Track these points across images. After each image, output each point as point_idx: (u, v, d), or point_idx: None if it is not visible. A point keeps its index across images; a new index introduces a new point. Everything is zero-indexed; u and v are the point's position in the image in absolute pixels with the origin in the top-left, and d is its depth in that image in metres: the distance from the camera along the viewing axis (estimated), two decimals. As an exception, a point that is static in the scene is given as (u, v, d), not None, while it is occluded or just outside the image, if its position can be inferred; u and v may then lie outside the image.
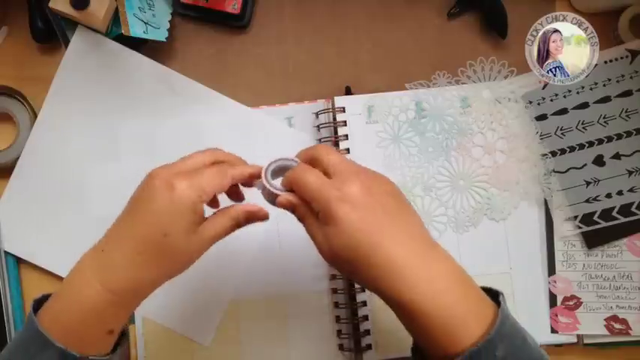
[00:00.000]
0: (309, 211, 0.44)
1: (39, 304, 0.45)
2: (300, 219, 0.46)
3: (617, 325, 0.62)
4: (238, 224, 0.47)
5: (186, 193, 0.42)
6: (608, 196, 0.62)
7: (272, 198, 0.46)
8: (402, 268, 0.40)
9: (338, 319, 0.62)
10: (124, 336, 0.48)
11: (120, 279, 0.43)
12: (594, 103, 0.63)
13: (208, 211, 0.46)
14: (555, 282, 0.62)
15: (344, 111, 0.63)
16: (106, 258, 0.44)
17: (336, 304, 0.62)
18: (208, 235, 0.45)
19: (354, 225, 0.41)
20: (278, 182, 0.47)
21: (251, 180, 0.47)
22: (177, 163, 0.45)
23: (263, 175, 0.46)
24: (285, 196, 0.45)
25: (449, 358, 0.40)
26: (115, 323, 0.44)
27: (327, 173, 0.44)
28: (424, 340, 0.42)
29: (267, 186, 0.46)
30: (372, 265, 0.41)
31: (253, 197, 0.48)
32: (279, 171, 0.47)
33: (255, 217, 0.47)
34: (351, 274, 0.45)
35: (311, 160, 0.46)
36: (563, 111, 0.63)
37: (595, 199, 0.62)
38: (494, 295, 0.43)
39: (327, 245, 0.43)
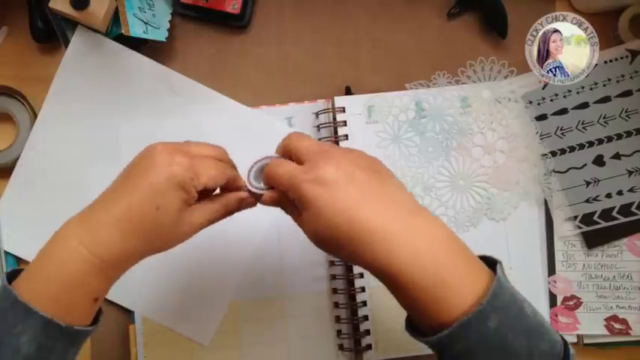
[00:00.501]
0: (290, 202, 0.45)
1: (12, 276, 0.43)
2: (287, 213, 0.46)
3: (617, 325, 0.62)
4: (229, 211, 0.47)
5: (182, 170, 0.42)
6: (608, 196, 0.62)
7: (257, 199, 0.47)
8: (384, 238, 0.40)
9: (338, 319, 0.62)
10: (100, 313, 0.47)
11: (108, 245, 0.42)
12: (594, 103, 0.63)
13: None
14: (555, 282, 0.62)
15: (344, 111, 0.63)
16: (95, 224, 0.43)
17: (336, 304, 0.62)
18: (198, 219, 0.45)
19: (327, 204, 0.40)
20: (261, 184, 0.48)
21: (240, 188, 0.48)
22: (183, 143, 0.46)
23: (246, 177, 0.47)
24: (267, 194, 0.46)
25: (439, 328, 0.39)
26: (100, 291, 0.44)
27: (300, 160, 0.44)
28: (415, 310, 0.41)
29: (250, 187, 0.47)
30: (354, 240, 0.40)
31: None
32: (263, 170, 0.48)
33: (245, 204, 0.48)
34: (338, 253, 0.44)
35: (285, 150, 0.47)
36: (563, 111, 0.63)
37: (595, 199, 0.62)
38: (492, 263, 0.42)
39: (309, 230, 0.43)
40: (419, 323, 0.43)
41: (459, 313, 0.39)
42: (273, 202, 0.46)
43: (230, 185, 0.47)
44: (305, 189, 0.41)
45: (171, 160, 0.43)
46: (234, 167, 0.48)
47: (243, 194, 0.47)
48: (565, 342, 0.42)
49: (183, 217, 0.44)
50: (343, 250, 0.42)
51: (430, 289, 0.39)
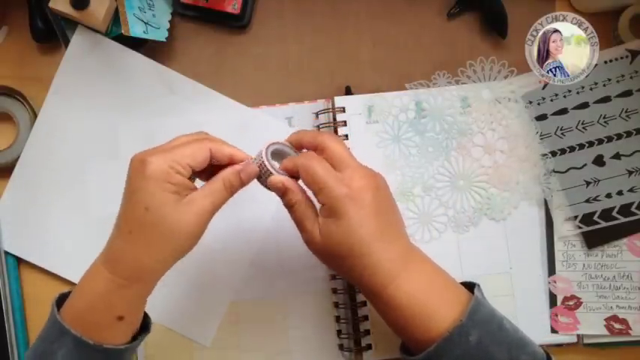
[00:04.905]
0: (303, 199, 0.46)
1: (64, 297, 0.47)
2: (289, 205, 0.47)
3: (617, 325, 0.62)
4: (232, 187, 0.46)
5: (158, 164, 0.43)
6: (608, 196, 0.62)
7: (265, 177, 0.47)
8: (386, 269, 0.45)
9: (338, 319, 0.62)
10: (145, 329, 0.49)
11: (120, 260, 0.44)
12: (594, 103, 0.63)
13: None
14: (555, 282, 0.62)
15: (344, 111, 0.63)
16: (109, 243, 0.46)
17: (336, 304, 0.62)
18: (200, 204, 0.44)
19: (357, 223, 0.44)
20: (276, 164, 0.47)
21: (233, 162, 0.46)
22: (160, 145, 0.46)
23: (264, 153, 0.46)
24: (279, 178, 0.46)
25: (424, 345, 0.44)
26: (124, 309, 0.45)
27: (331, 163, 0.46)
28: (402, 330, 0.46)
29: (267, 165, 0.46)
30: (360, 265, 0.45)
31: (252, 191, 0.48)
32: (275, 154, 0.48)
33: (245, 174, 0.46)
34: (333, 266, 0.48)
35: (315, 146, 0.47)
36: (563, 111, 0.63)
37: (595, 199, 0.62)
38: (471, 287, 0.48)
39: (321, 237, 0.45)
40: (409, 344, 0.48)
41: (443, 329, 0.44)
42: (282, 189, 0.46)
43: (224, 159, 0.46)
44: (343, 201, 0.44)
45: (144, 161, 0.43)
46: (218, 141, 0.47)
47: (237, 166, 0.46)
48: (548, 354, 0.46)
49: (184, 208, 0.44)
50: (342, 266, 0.45)
51: (416, 311, 0.45)
